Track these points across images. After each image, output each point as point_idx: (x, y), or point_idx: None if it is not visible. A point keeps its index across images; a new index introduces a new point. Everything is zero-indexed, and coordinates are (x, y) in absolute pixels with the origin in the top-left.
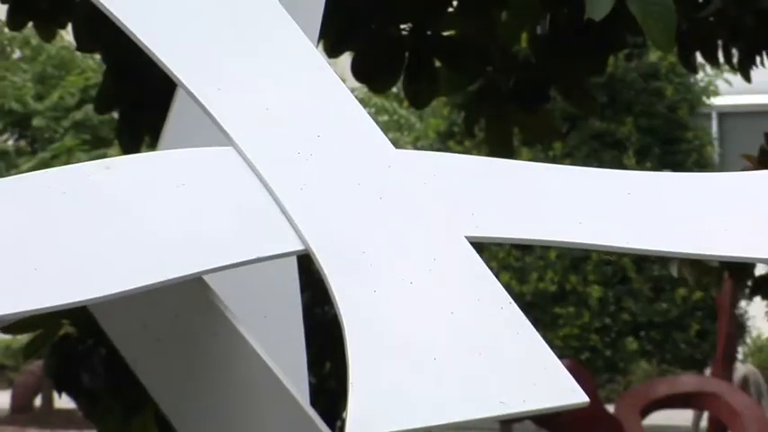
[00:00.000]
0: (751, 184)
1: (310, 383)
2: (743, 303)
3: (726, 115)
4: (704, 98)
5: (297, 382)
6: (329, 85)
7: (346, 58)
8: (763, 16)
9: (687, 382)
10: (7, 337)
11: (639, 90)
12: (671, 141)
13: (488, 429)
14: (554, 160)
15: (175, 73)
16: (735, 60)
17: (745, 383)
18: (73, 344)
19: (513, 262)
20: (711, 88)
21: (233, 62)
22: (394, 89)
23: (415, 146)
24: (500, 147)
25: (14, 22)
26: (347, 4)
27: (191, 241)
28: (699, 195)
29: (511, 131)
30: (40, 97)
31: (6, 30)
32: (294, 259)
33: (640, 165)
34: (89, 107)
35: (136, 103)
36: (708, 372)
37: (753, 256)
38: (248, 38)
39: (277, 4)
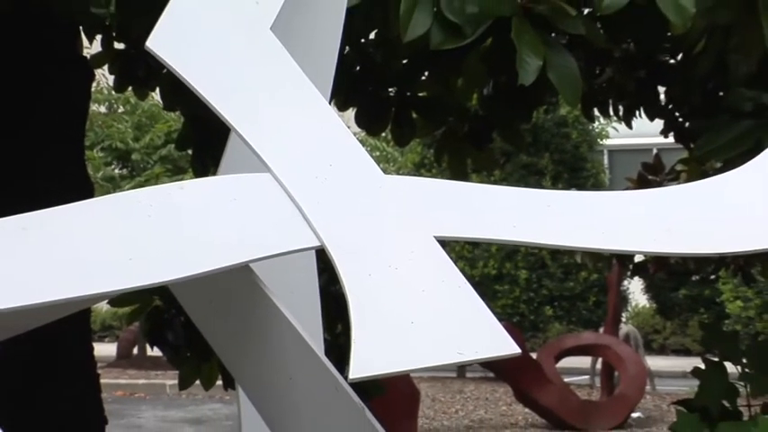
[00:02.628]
0: (630, 198)
1: (325, 340)
2: (626, 282)
3: (614, 152)
4: (599, 140)
5: (315, 339)
6: (338, 130)
7: (351, 112)
8: (640, 83)
9: (587, 337)
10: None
11: (554, 133)
12: (576, 170)
13: (450, 370)
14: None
15: (230, 121)
16: (620, 113)
17: (626, 338)
18: (160, 312)
19: (466, 254)
20: (604, 133)
21: (269, 114)
22: (383, 133)
23: (398, 173)
24: (458, 173)
25: (119, 86)
26: (351, 75)
27: (240, 239)
28: (595, 206)
29: (465, 162)
30: (136, 139)
31: (113, 92)
32: (313, 252)
33: (554, 186)
34: (171, 146)
35: (204, 142)
36: (601, 330)
37: (629, 248)
38: (280, 96)
39: (302, 74)
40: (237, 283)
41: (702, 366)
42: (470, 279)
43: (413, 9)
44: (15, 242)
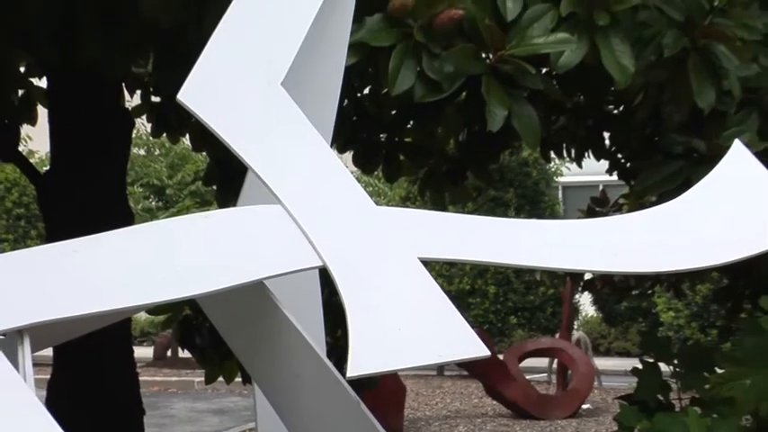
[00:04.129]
0: (581, 226)
1: (327, 344)
2: (577, 296)
3: (567, 187)
4: (554, 177)
5: (318, 343)
6: (337, 169)
7: (348, 154)
8: (589, 130)
9: (545, 341)
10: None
11: (517, 172)
12: (535, 203)
13: (431, 369)
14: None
15: (247, 162)
16: (572, 155)
17: (578, 343)
18: (190, 320)
19: (444, 272)
20: (558, 171)
21: (280, 155)
22: (375, 172)
23: (387, 204)
24: (438, 205)
25: (155, 132)
26: (349, 123)
27: (255, 260)
28: (552, 233)
29: (444, 196)
30: (170, 177)
31: (151, 137)
32: (317, 270)
33: (517, 216)
34: (199, 182)
35: (226, 179)
36: (557, 336)
37: (580, 268)
38: (289, 141)
39: (307, 122)
40: (253, 296)
41: (641, 366)
42: (448, 293)
43: (399, 68)
44: (69, 262)
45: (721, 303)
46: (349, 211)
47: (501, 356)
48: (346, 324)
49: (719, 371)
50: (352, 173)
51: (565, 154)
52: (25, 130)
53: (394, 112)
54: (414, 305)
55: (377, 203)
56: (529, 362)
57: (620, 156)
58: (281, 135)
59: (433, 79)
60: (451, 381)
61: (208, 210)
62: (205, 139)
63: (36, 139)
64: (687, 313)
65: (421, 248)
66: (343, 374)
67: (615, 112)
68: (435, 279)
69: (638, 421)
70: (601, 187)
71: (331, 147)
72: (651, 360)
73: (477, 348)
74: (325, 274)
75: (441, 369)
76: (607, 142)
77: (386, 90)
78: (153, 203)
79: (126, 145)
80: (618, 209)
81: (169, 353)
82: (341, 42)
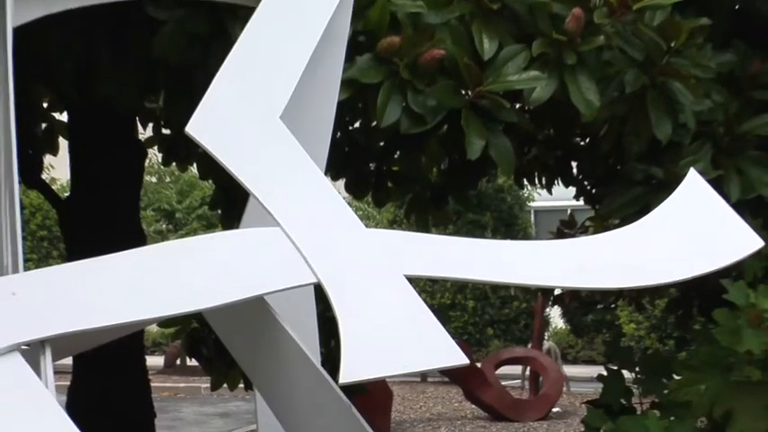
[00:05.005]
0: (551, 246)
1: (321, 353)
2: (548, 309)
3: (538, 211)
4: (527, 202)
5: (313, 352)
6: (331, 195)
7: (341, 181)
8: (558, 159)
9: (519, 351)
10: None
11: (493, 197)
12: (510, 225)
13: (415, 376)
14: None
15: (249, 188)
16: (543, 182)
17: (548, 352)
18: (197, 332)
19: (427, 288)
20: (530, 197)
21: (278, 183)
22: (366, 197)
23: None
24: (422, 227)
25: (166, 161)
26: (341, 153)
27: (256, 277)
28: (525, 252)
29: (427, 219)
30: (179, 202)
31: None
32: (312, 287)
33: (494, 238)
34: (205, 207)
35: (230, 204)
36: (529, 345)
37: (551, 284)
38: (287, 170)
39: (303, 152)
40: (254, 310)
41: (606, 373)
42: (431, 307)
43: (387, 103)
44: (87, 279)
45: (673, 312)
46: (341, 233)
47: (479, 364)
48: (339, 335)
49: (677, 377)
50: (344, 198)
51: (536, 181)
52: (48, 159)
53: (382, 143)
54: (400, 318)
55: (366, 226)
56: (504, 369)
57: (586, 183)
58: (280, 164)
59: (417, 113)
60: (434, 386)
61: (213, 232)
62: (211, 167)
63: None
64: (647, 325)
65: (406, 266)
66: (336, 381)
67: (582, 143)
68: (419, 294)
69: (604, 423)
70: (569, 211)
71: (325, 174)
72: (615, 368)
73: (457, 357)
74: (319, 290)
75: (424, 376)
76: (575, 170)
77: (375, 123)
78: (164, 226)
79: (139, 173)
80: (584, 231)
81: (178, 361)
82: (334, 79)
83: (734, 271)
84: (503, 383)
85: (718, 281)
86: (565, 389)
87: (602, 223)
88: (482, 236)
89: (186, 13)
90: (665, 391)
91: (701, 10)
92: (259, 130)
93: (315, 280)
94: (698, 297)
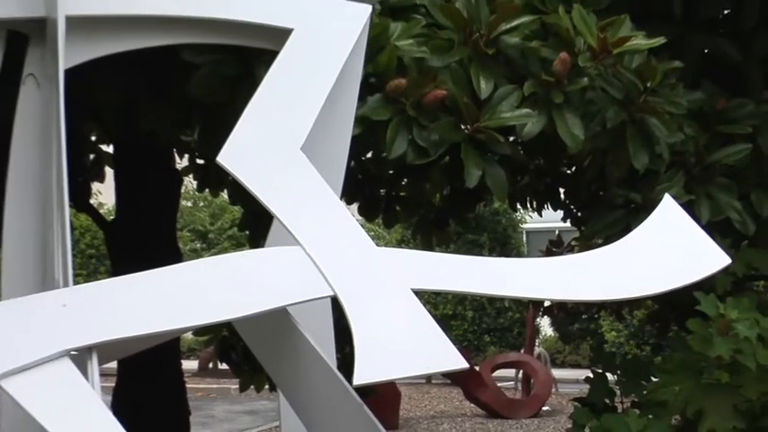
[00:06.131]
0: (541, 263)
1: (337, 358)
2: (538, 319)
3: (530, 232)
4: (520, 224)
5: (330, 357)
6: (345, 217)
7: (355, 205)
8: (547, 186)
9: (512, 356)
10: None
11: (490, 220)
12: (504, 245)
13: (420, 378)
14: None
15: (274, 212)
16: (534, 206)
17: (539, 357)
18: (227, 339)
19: (431, 300)
20: (523, 219)
21: (299, 207)
22: (377, 219)
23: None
24: (426, 246)
25: (200, 188)
26: (355, 181)
27: (279, 290)
28: (518, 269)
29: (431, 239)
30: (212, 224)
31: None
32: (329, 299)
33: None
34: (235, 228)
35: (257, 226)
36: (522, 351)
37: (541, 296)
38: (307, 196)
39: (321, 180)
40: (277, 319)
41: (591, 375)
42: (434, 317)
43: (395, 137)
44: (130, 292)
45: (653, 324)
46: (354, 251)
47: (477, 368)
48: (353, 342)
49: (654, 380)
50: (357, 220)
51: (528, 205)
52: (96, 186)
53: (391, 172)
54: (407, 327)
55: (377, 245)
56: (499, 372)
57: (572, 207)
58: (300, 190)
59: (422, 146)
60: (437, 387)
61: (242, 250)
62: (240, 193)
63: (104, 194)
64: (626, 333)
65: (413, 281)
66: (351, 382)
67: (568, 171)
68: (424, 305)
69: (589, 420)
70: (557, 232)
71: (340, 199)
72: (599, 371)
73: (458, 361)
74: (335, 302)
75: (429, 378)
76: (562, 196)
77: (384, 154)
78: (198, 245)
79: (176, 198)
80: (571, 249)
81: (210, 365)
82: (348, 116)
83: (705, 285)
84: (498, 385)
85: (692, 294)
86: (554, 389)
87: (586, 243)
88: (480, 254)
89: (218, 57)
90: (644, 392)
91: (673, 54)
92: (282, 160)
93: (331, 293)
94: (673, 309)
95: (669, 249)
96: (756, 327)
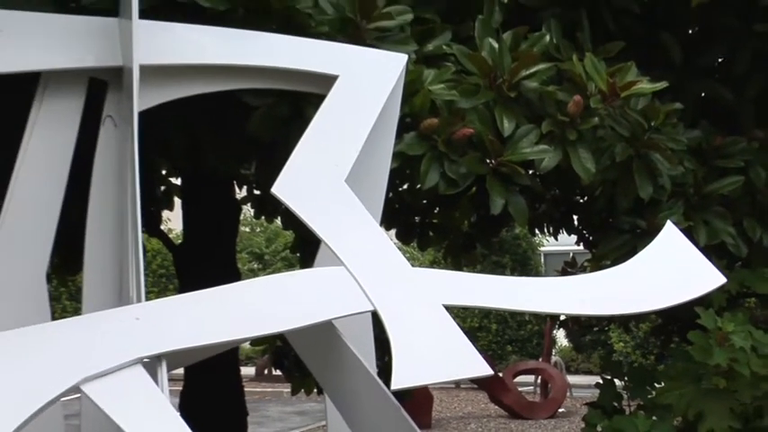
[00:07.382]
0: (558, 282)
1: (377, 366)
2: (555, 331)
3: (547, 254)
4: (538, 247)
5: (370, 365)
6: (384, 242)
7: (393, 231)
8: (562, 213)
9: (532, 364)
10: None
11: (512, 243)
12: (524, 265)
13: (450, 383)
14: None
15: (322, 237)
16: (551, 231)
17: (555, 365)
18: (281, 349)
19: (459, 314)
20: (541, 242)
21: (344, 232)
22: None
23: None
24: (455, 267)
25: (257, 215)
26: (393, 209)
27: (325, 305)
28: (538, 287)
29: (460, 260)
30: (267, 247)
31: (253, 218)
32: (369, 313)
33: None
34: (288, 251)
35: (307, 249)
36: (540, 359)
37: (557, 311)
38: (350, 223)
39: (363, 208)
40: (324, 331)
41: (601, 381)
42: (463, 329)
43: (428, 170)
44: (195, 307)
45: (657, 336)
46: (392, 271)
47: (500, 374)
48: (390, 352)
49: (658, 385)
50: (395, 244)
51: (545, 230)
52: (166, 214)
53: (425, 201)
54: (439, 338)
55: (412, 265)
56: (520, 378)
57: (585, 231)
58: (344, 217)
59: (452, 178)
60: (465, 391)
61: (293, 270)
62: (291, 220)
63: (173, 220)
64: (633, 344)
65: (444, 297)
66: (389, 387)
67: (581, 200)
68: (454, 319)
69: (601, 421)
70: (571, 254)
71: (380, 225)
72: (609, 377)
73: (483, 368)
74: (375, 316)
75: (457, 383)
76: (576, 222)
77: (419, 185)
78: (255, 266)
79: (235, 224)
80: (583, 270)
81: (266, 371)
82: (387, 152)
83: (704, 301)
84: (519, 389)
85: (692, 309)
86: (568, 394)
87: (597, 264)
88: (502, 274)
89: (273, 100)
90: (649, 396)
91: (674, 97)
92: (329, 191)
93: (371, 308)
94: (675, 323)
95: (671, 269)
96: (750, 338)
